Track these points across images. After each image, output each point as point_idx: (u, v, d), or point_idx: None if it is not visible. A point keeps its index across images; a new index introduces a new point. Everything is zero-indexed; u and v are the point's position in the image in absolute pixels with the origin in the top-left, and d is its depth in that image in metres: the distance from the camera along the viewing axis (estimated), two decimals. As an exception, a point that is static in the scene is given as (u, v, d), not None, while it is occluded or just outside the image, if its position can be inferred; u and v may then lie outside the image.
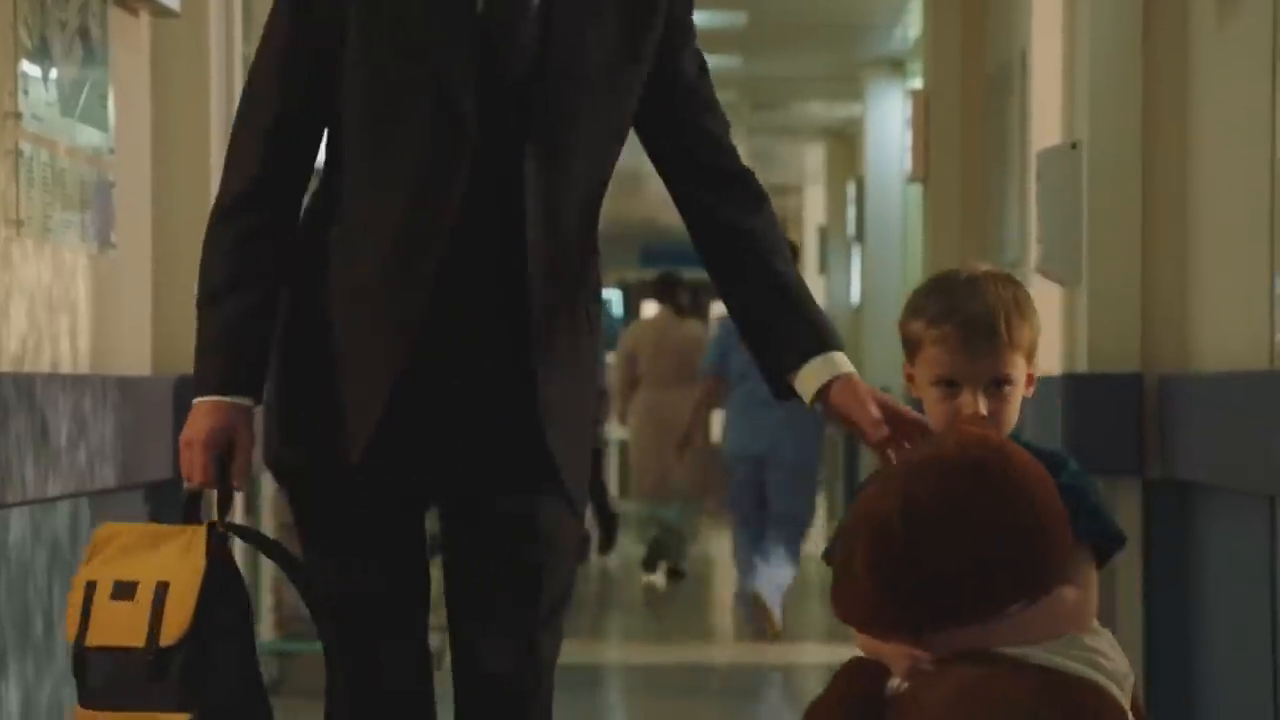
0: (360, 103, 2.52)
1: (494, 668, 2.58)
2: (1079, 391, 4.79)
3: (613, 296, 16.36)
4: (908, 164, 8.35)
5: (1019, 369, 2.61)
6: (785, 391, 2.64)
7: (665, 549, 10.95)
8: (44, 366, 3.98)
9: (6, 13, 3.86)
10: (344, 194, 2.57)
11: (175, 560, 2.51)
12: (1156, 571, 4.71)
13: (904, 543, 2.46)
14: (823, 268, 16.36)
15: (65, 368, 4.10)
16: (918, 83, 9.42)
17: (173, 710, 2.44)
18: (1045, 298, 6.14)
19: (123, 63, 4.53)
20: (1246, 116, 4.21)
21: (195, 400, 2.60)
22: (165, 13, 4.78)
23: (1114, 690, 2.52)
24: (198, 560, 2.51)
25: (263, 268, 2.57)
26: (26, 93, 3.94)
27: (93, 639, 2.51)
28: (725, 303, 2.69)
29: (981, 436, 2.54)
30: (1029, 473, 2.51)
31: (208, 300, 2.59)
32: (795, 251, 8.75)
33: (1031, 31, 6.50)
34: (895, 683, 2.53)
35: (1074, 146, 4.86)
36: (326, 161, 2.62)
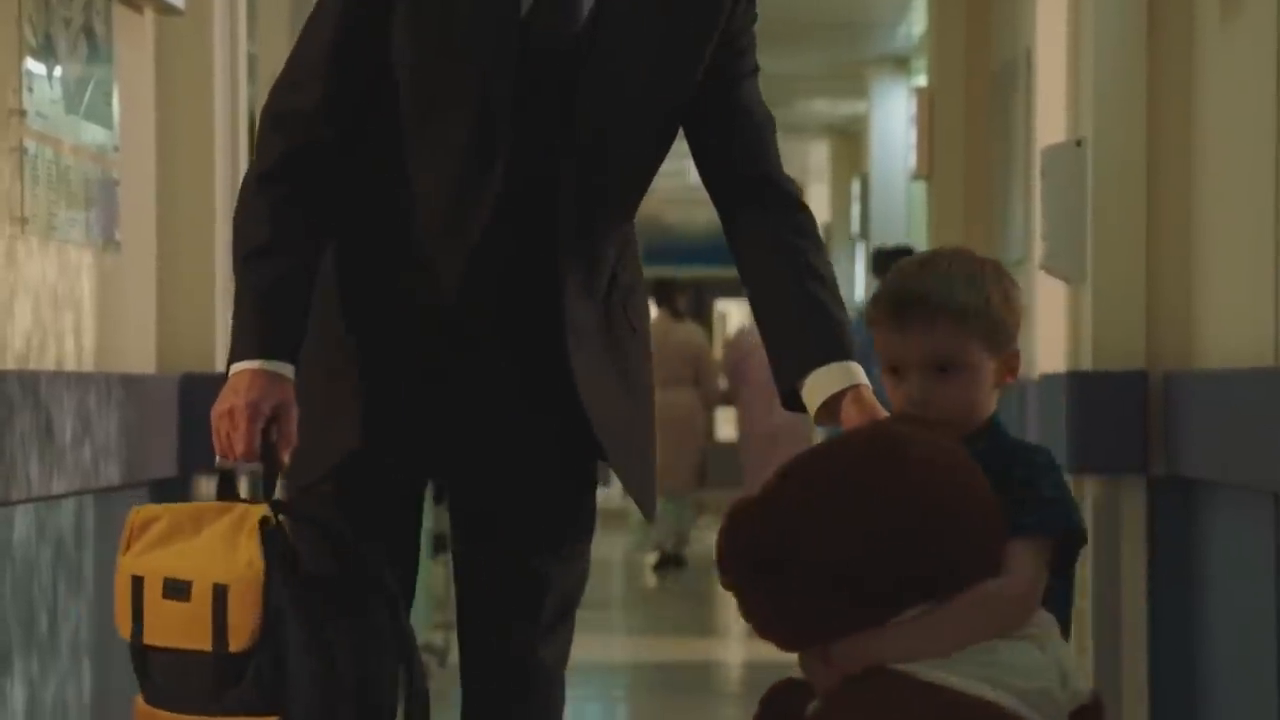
0: (401, 98, 2.50)
1: (498, 668, 2.57)
2: (1083, 389, 4.79)
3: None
4: (912, 161, 8.35)
5: (969, 352, 2.40)
6: (794, 402, 2.57)
7: (663, 542, 11.03)
8: (49, 364, 3.98)
9: (11, 10, 3.86)
10: (377, 185, 2.55)
11: (223, 554, 2.39)
12: (1161, 569, 4.70)
13: (775, 547, 2.31)
14: (827, 265, 16.33)
15: (70, 365, 4.10)
16: (922, 80, 9.41)
17: (260, 714, 2.35)
18: (1050, 295, 6.14)
19: (127, 60, 4.53)
20: (1251, 114, 4.20)
21: (234, 368, 2.48)
22: (170, 10, 4.78)
23: (1020, 711, 2.29)
24: (253, 558, 2.38)
25: (300, 233, 2.50)
26: (31, 90, 3.94)
27: (151, 637, 2.41)
28: (755, 314, 2.63)
29: (871, 428, 2.39)
30: (919, 465, 2.31)
31: (245, 263, 2.52)
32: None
33: (1036, 29, 6.49)
34: (814, 705, 2.36)
35: (1079, 144, 4.86)
36: (364, 149, 2.58)
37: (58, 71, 4.09)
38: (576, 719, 7.25)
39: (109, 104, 4.39)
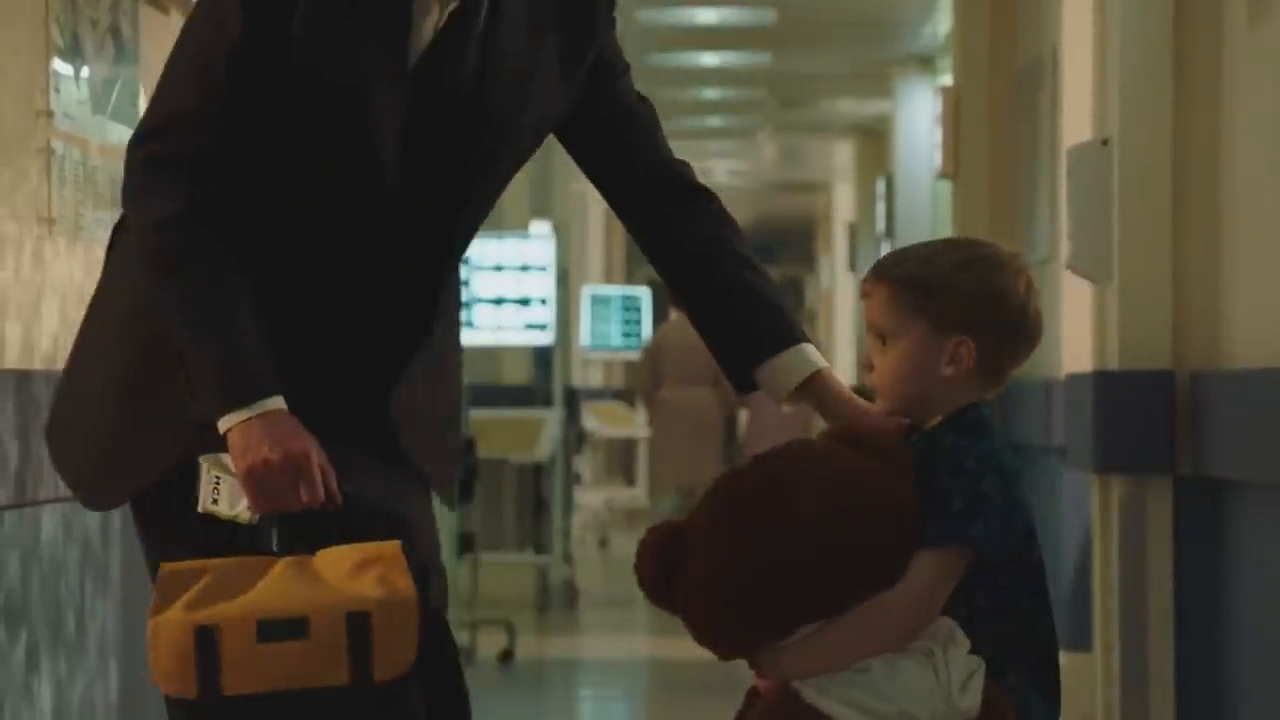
0: (287, 128, 2.39)
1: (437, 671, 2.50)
2: (1110, 389, 4.78)
3: (642, 295, 16.36)
4: (937, 160, 8.34)
5: (902, 324, 2.38)
6: (749, 384, 2.54)
7: None
8: (76, 364, 3.99)
9: (38, 11, 3.88)
10: (253, 211, 2.42)
11: (345, 585, 2.28)
12: (1187, 569, 4.69)
13: (673, 566, 2.33)
14: (852, 264, 16.35)
15: (97, 365, 4.11)
16: (947, 79, 9.40)
17: None
18: (1076, 295, 6.13)
19: (154, 60, 4.55)
20: (1278, 113, 4.19)
21: (240, 415, 2.30)
22: (196, 11, 4.79)
23: None
24: (400, 585, 2.29)
25: (232, 262, 2.37)
26: (58, 91, 3.95)
27: (241, 686, 2.26)
28: (690, 308, 2.57)
29: (782, 450, 2.38)
30: (810, 491, 2.31)
31: (193, 303, 2.34)
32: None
33: (1062, 27, 6.48)
34: None
35: (1105, 143, 4.85)
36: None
37: (85, 72, 4.10)
38: (599, 717, 7.27)
39: (135, 104, 4.40)
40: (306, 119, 2.38)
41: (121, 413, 2.41)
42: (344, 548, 2.33)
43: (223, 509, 2.31)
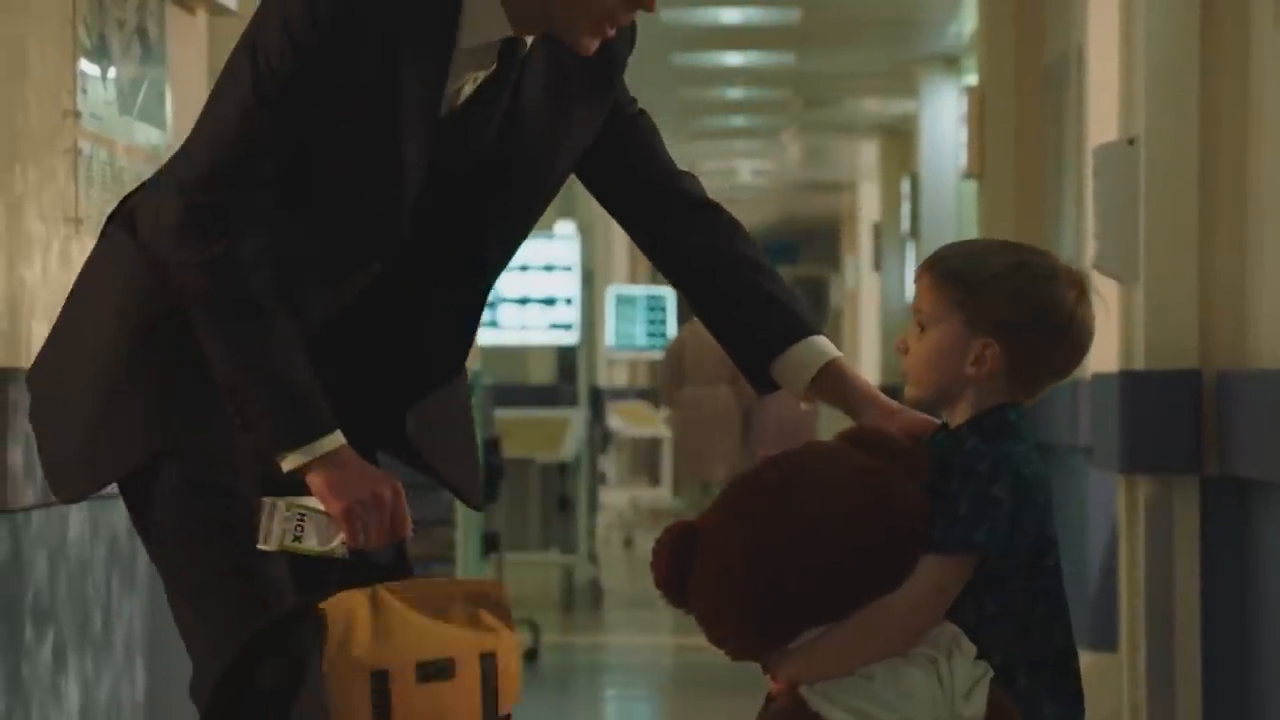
0: (313, 168, 2.42)
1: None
2: (1136, 388, 4.77)
3: (667, 295, 16.36)
4: (962, 160, 8.32)
5: (940, 314, 2.38)
6: (769, 384, 2.56)
7: None
8: (102, 364, 4.00)
9: (65, 12, 3.89)
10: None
11: (467, 624, 2.37)
12: (1214, 570, 4.68)
13: (683, 567, 2.35)
14: (877, 264, 16.33)
15: (123, 365, 4.12)
16: (972, 79, 9.38)
17: None
18: (1102, 295, 6.10)
19: (180, 61, 4.56)
20: (1306, 111, 4.18)
21: (309, 454, 2.34)
22: (222, 11, 4.81)
23: None
24: (509, 624, 2.40)
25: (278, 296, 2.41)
26: (85, 91, 3.97)
27: None
28: (705, 317, 2.59)
29: (791, 454, 2.38)
30: (812, 495, 2.32)
31: (257, 342, 2.36)
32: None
33: (1087, 26, 6.47)
34: None
35: (1131, 142, 4.84)
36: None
37: (111, 73, 4.11)
38: (624, 716, 7.27)
39: (162, 105, 4.41)
40: (335, 164, 2.42)
41: (100, 407, 2.44)
42: (441, 581, 2.43)
43: (310, 545, 2.39)
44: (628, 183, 2.60)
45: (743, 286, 2.57)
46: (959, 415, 2.42)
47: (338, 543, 2.38)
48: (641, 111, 2.62)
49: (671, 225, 2.59)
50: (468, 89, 2.45)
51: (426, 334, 2.54)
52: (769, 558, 2.32)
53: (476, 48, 2.41)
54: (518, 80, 2.46)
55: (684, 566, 2.35)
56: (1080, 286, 2.44)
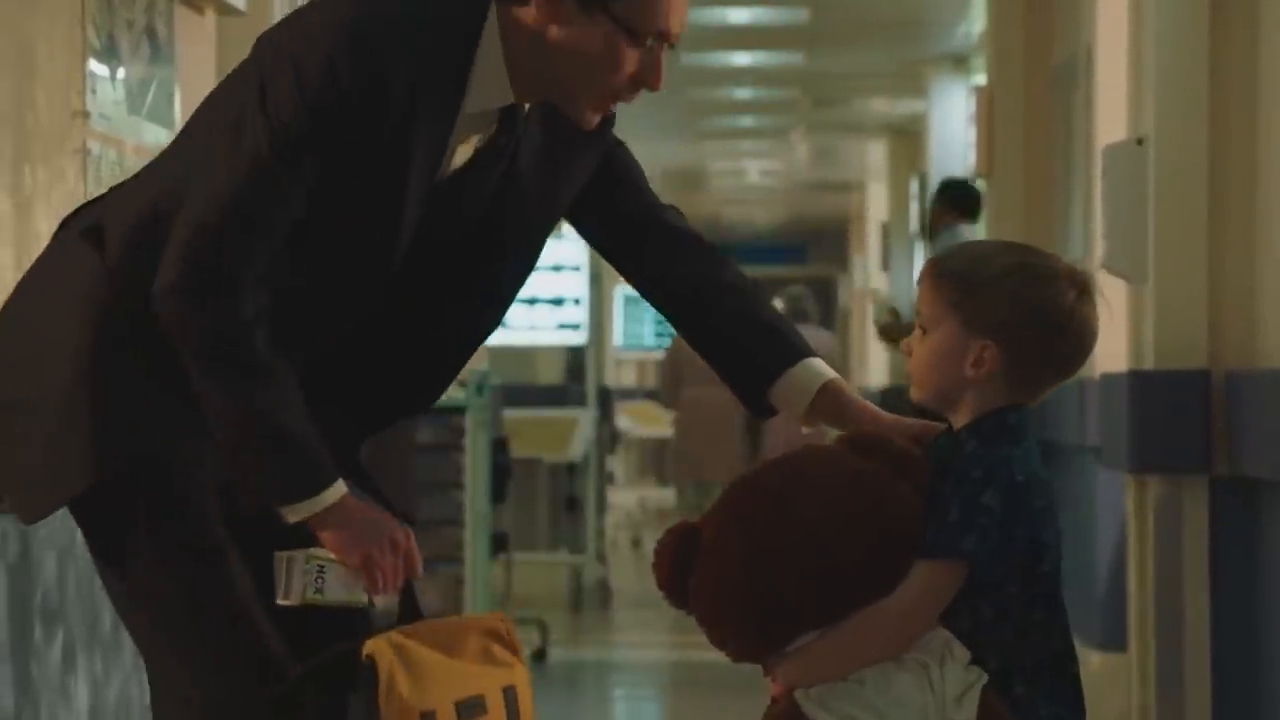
0: (311, 216, 2.39)
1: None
2: (1145, 388, 4.76)
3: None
4: (971, 160, 8.32)
5: (939, 316, 2.38)
6: (766, 409, 2.57)
7: None
8: (111, 364, 4.00)
9: (75, 12, 3.89)
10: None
11: (483, 660, 2.43)
12: (1223, 570, 4.67)
13: (683, 570, 2.36)
14: (885, 264, 16.32)
15: (132, 365, 4.12)
16: (981, 79, 9.38)
17: None
18: (1111, 295, 6.09)
19: (189, 61, 4.56)
20: (1315, 111, 4.17)
21: (316, 505, 2.35)
22: (231, 11, 4.81)
23: None
24: (520, 656, 2.46)
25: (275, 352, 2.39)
26: (94, 92, 3.97)
27: None
28: (698, 346, 2.60)
29: (787, 457, 2.39)
30: (808, 498, 2.33)
31: (260, 392, 2.34)
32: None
33: (1096, 26, 6.46)
34: None
35: (1140, 142, 4.84)
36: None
37: (120, 73, 4.12)
38: (632, 716, 7.27)
39: (171, 105, 4.41)
40: (333, 215, 2.40)
41: (60, 428, 2.39)
42: (450, 621, 2.46)
43: (334, 597, 2.39)
44: (612, 218, 2.59)
45: (734, 313, 2.57)
46: (961, 417, 2.42)
47: (360, 591, 2.39)
48: (619, 143, 2.61)
49: (658, 257, 2.60)
50: (461, 153, 2.45)
51: (412, 370, 2.53)
52: (768, 560, 2.32)
53: (477, 114, 2.41)
54: (515, 145, 2.46)
55: (685, 568, 2.36)
56: (1082, 287, 2.42)
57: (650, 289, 2.62)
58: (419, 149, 2.38)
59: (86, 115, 3.91)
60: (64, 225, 2.52)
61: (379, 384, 2.53)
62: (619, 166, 2.59)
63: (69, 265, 2.45)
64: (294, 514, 2.36)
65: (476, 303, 2.52)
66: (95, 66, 3.98)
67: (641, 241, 2.60)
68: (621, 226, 2.60)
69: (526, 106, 2.45)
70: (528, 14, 2.37)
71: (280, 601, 2.37)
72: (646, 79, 2.41)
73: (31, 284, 2.49)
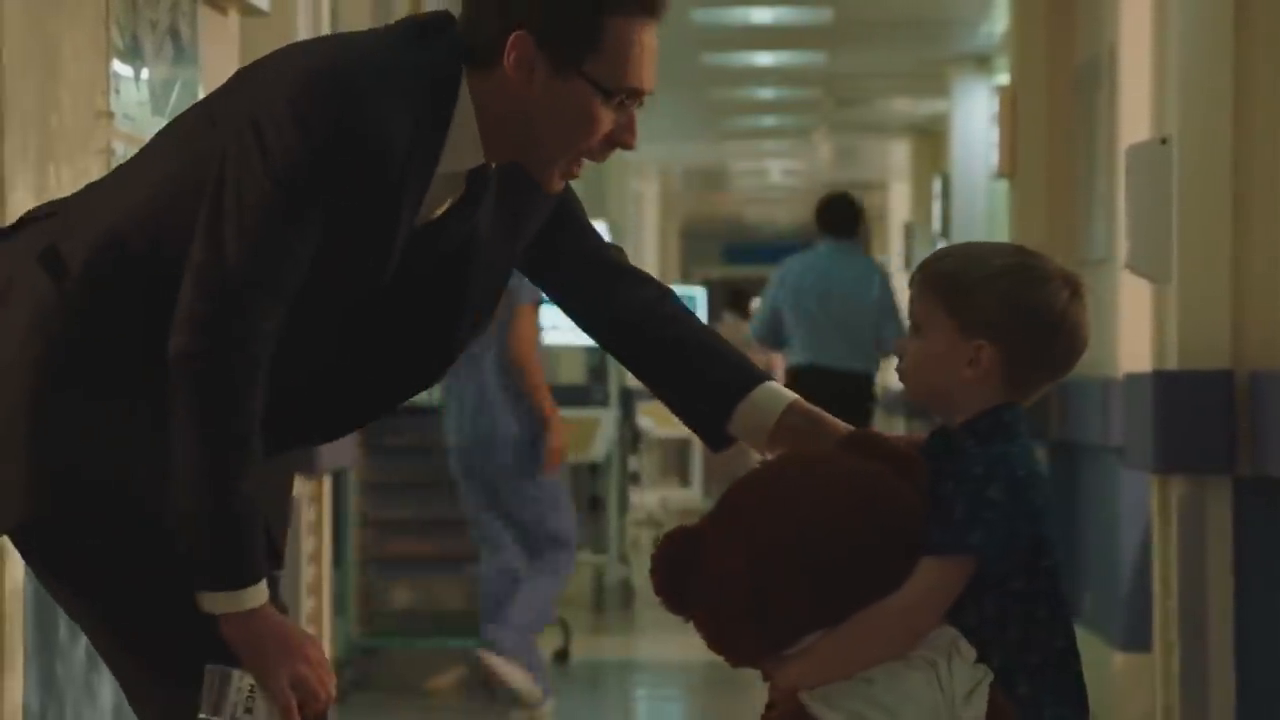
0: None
1: None
2: (1169, 389, 4.75)
3: (697, 295, 16.36)
4: (994, 160, 8.31)
5: (930, 317, 2.40)
6: (721, 439, 2.54)
7: None
8: (135, 363, 4.01)
9: (99, 13, 3.91)
10: None
11: None
12: (1247, 570, 4.66)
13: (682, 573, 2.35)
14: (908, 264, 16.31)
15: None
16: (1004, 78, 9.36)
17: None
18: (1135, 295, 6.09)
19: (213, 61, 4.57)
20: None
21: (237, 605, 2.27)
22: (254, 11, 4.82)
23: None
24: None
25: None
26: (118, 92, 3.98)
27: None
28: (647, 376, 2.57)
29: (785, 457, 2.39)
30: (807, 497, 2.33)
31: (230, 458, 2.28)
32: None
33: (1120, 25, 6.45)
34: None
35: (1164, 142, 4.83)
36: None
37: (144, 73, 4.13)
38: (653, 716, 7.27)
39: (194, 105, 4.42)
40: (314, 273, 2.36)
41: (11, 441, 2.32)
42: None
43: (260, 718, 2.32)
44: (555, 257, 2.58)
45: (688, 343, 2.55)
46: (957, 417, 2.43)
47: (278, 714, 2.31)
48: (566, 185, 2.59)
49: (602, 293, 2.58)
50: (440, 206, 2.42)
51: (337, 407, 2.48)
52: (767, 562, 2.32)
53: (449, 174, 2.39)
54: (478, 206, 2.45)
55: (683, 573, 2.36)
56: (1074, 287, 2.43)
57: (597, 326, 2.59)
58: (404, 203, 2.35)
59: (110, 115, 3.92)
60: (8, 231, 2.44)
61: (303, 413, 2.45)
62: (563, 209, 2.56)
63: (21, 290, 2.36)
64: (211, 603, 2.29)
65: (423, 355, 2.48)
66: (119, 67, 3.99)
67: (590, 279, 2.58)
68: (565, 266, 2.58)
69: (493, 166, 2.43)
70: (500, 76, 2.35)
71: (202, 717, 2.30)
72: (621, 138, 2.39)
73: None
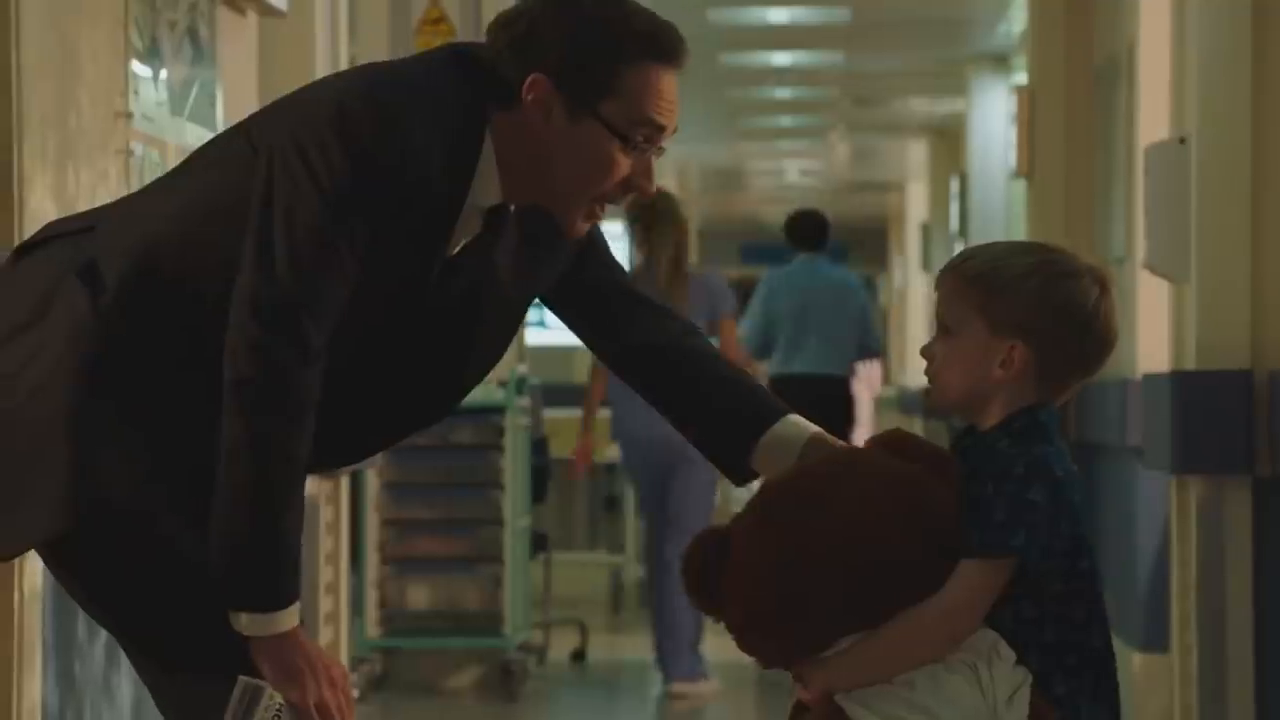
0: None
1: None
2: (1188, 389, 4.74)
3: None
4: (1012, 160, 8.30)
5: (962, 317, 2.38)
6: (744, 472, 2.53)
7: None
8: (154, 363, 4.02)
9: (118, 14, 3.91)
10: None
11: None
12: (1267, 571, 4.65)
13: (714, 573, 2.34)
14: (925, 264, 16.29)
15: (175, 365, 4.14)
16: (1021, 78, 9.35)
17: None
18: (1153, 295, 6.07)
19: (231, 62, 4.58)
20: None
21: (283, 618, 2.28)
22: (273, 12, 4.83)
23: None
24: None
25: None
26: (137, 93, 3.99)
27: None
28: (669, 408, 2.55)
29: (824, 459, 2.39)
30: (845, 500, 2.31)
31: (287, 482, 2.28)
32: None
33: (1139, 25, 6.44)
34: None
35: (1182, 141, 4.82)
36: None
37: (163, 74, 4.14)
38: (672, 718, 7.26)
39: (213, 106, 4.43)
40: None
41: (32, 472, 2.32)
42: None
43: None
44: (581, 289, 2.57)
45: (710, 377, 2.54)
46: (989, 418, 2.41)
47: None
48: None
49: (628, 326, 2.57)
50: (461, 242, 2.43)
51: (363, 432, 2.48)
52: (805, 564, 2.31)
53: (470, 210, 2.39)
54: (495, 245, 2.44)
55: (715, 572, 2.35)
56: (1103, 283, 2.42)
57: (620, 357, 2.59)
58: (439, 233, 2.36)
59: (129, 116, 3.93)
60: (24, 248, 2.44)
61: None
62: (587, 241, 2.55)
63: (60, 305, 2.36)
64: (247, 624, 2.29)
65: (429, 392, 2.47)
66: (138, 68, 4.00)
67: (608, 311, 2.58)
68: (588, 297, 2.58)
69: (512, 207, 2.43)
70: (519, 116, 2.35)
71: None
72: (637, 183, 2.39)
73: (21, 316, 2.38)
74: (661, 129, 2.38)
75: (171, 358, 2.34)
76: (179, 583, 2.33)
